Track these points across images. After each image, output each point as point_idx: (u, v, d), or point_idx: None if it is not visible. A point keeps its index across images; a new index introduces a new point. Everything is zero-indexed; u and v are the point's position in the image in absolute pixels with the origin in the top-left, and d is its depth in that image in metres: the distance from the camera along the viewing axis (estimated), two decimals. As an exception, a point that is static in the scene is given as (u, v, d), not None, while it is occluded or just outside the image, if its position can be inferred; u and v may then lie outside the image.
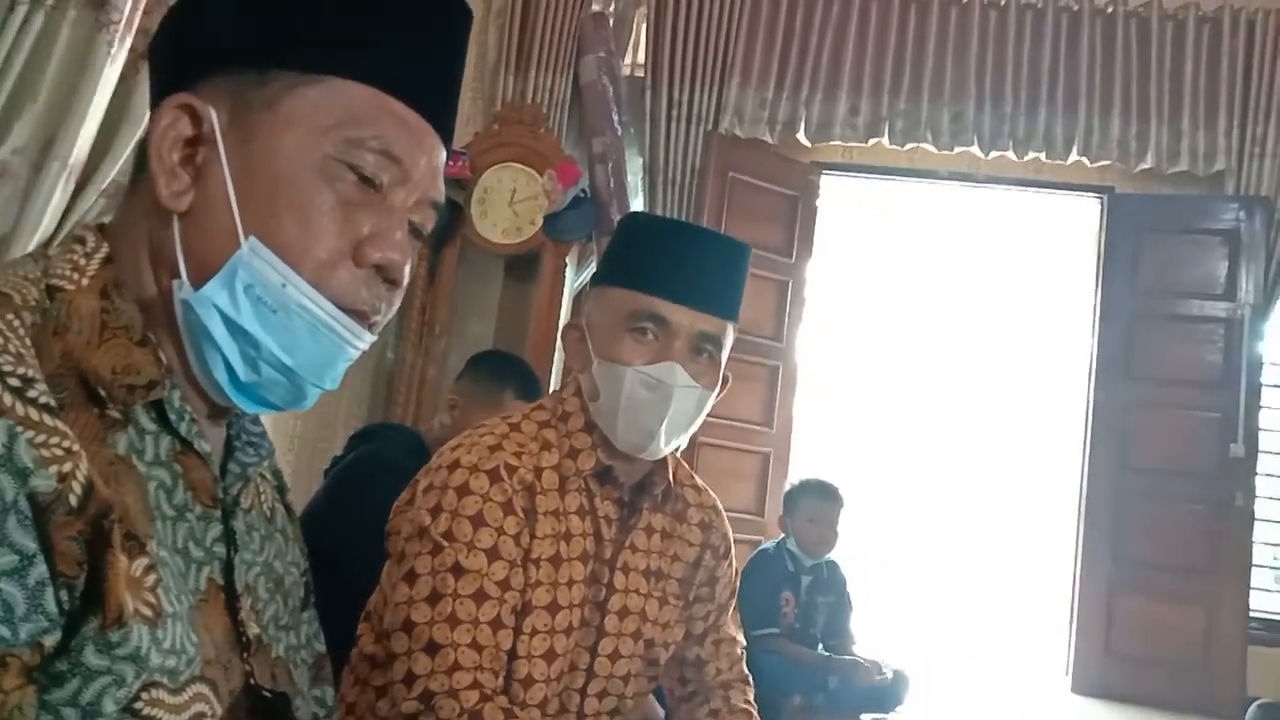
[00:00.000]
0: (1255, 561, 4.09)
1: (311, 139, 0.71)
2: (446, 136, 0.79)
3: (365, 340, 0.75)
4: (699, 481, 1.51)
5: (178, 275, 0.69)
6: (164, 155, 0.71)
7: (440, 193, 0.79)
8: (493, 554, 1.21)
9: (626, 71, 4.50)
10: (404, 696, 1.16)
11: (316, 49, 0.72)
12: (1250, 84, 4.16)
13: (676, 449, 1.39)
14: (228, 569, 0.75)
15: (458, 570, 1.19)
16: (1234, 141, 4.15)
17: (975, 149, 4.31)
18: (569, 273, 4.15)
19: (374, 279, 0.73)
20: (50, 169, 2.15)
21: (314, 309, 0.70)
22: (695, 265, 1.31)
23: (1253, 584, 4.05)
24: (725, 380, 1.36)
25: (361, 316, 0.74)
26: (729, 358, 1.37)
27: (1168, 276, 4.28)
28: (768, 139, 4.41)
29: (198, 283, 0.69)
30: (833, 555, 3.24)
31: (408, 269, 0.75)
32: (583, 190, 3.99)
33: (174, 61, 0.75)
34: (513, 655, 1.24)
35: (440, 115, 0.78)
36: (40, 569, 0.58)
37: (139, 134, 2.03)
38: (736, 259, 1.37)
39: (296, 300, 0.69)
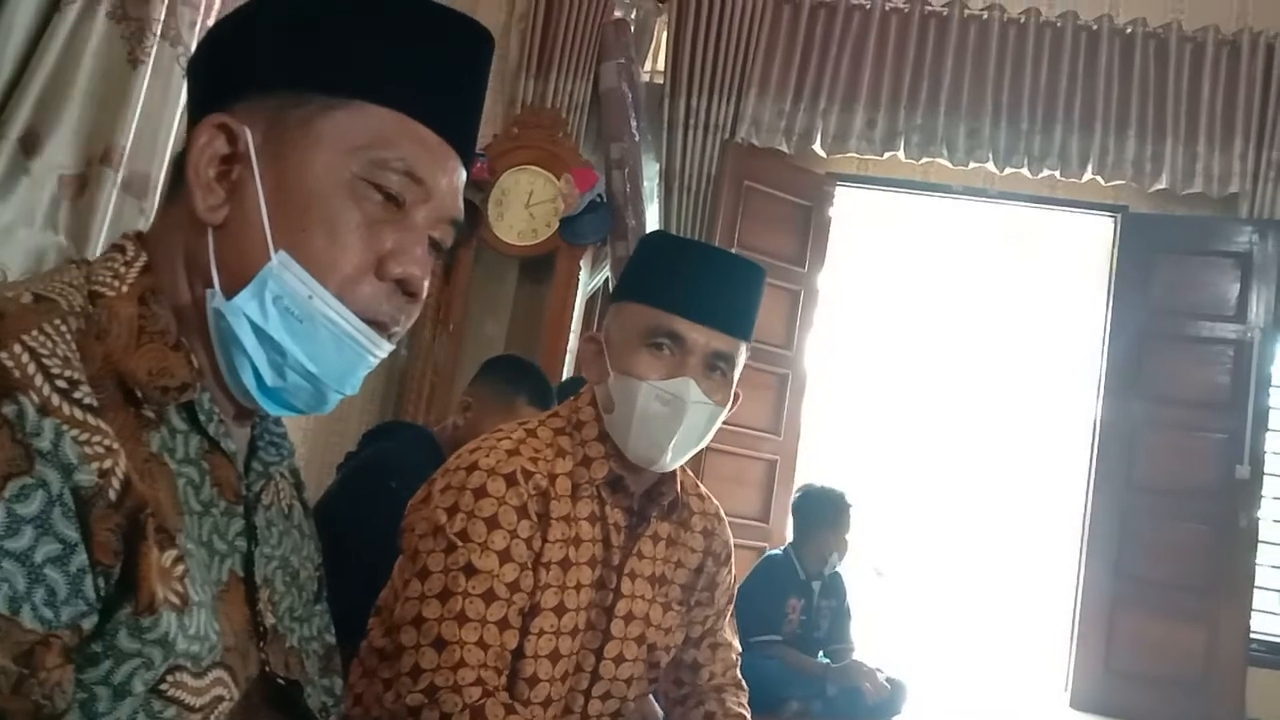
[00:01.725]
0: (1258, 583, 4.08)
1: (340, 159, 0.75)
2: (467, 157, 0.84)
3: (384, 349, 0.79)
4: (703, 489, 1.55)
5: (211, 285, 0.74)
6: (201, 171, 0.75)
7: (460, 211, 0.83)
8: (504, 556, 1.24)
9: (646, 78, 4.53)
10: (409, 689, 1.19)
11: (346, 75, 0.76)
12: (1268, 107, 4.15)
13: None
14: (248, 562, 0.79)
15: (470, 570, 1.22)
16: (1249, 165, 4.14)
17: (990, 165, 4.32)
18: (583, 276, 4.19)
19: (395, 292, 0.78)
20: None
21: (338, 320, 0.74)
22: (712, 285, 1.35)
23: (1255, 606, 4.05)
24: (736, 398, 1.39)
25: (382, 327, 0.78)
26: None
27: (1178, 297, 4.27)
28: (784, 149, 4.43)
29: (229, 292, 0.73)
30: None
31: (426, 283, 0.80)
32: (599, 195, 4.03)
33: (212, 82, 0.79)
34: (519, 654, 1.27)
35: (461, 137, 0.82)
36: (81, 557, 0.62)
37: (175, 149, 2.07)
38: (753, 281, 1.41)
39: (322, 311, 0.74)
